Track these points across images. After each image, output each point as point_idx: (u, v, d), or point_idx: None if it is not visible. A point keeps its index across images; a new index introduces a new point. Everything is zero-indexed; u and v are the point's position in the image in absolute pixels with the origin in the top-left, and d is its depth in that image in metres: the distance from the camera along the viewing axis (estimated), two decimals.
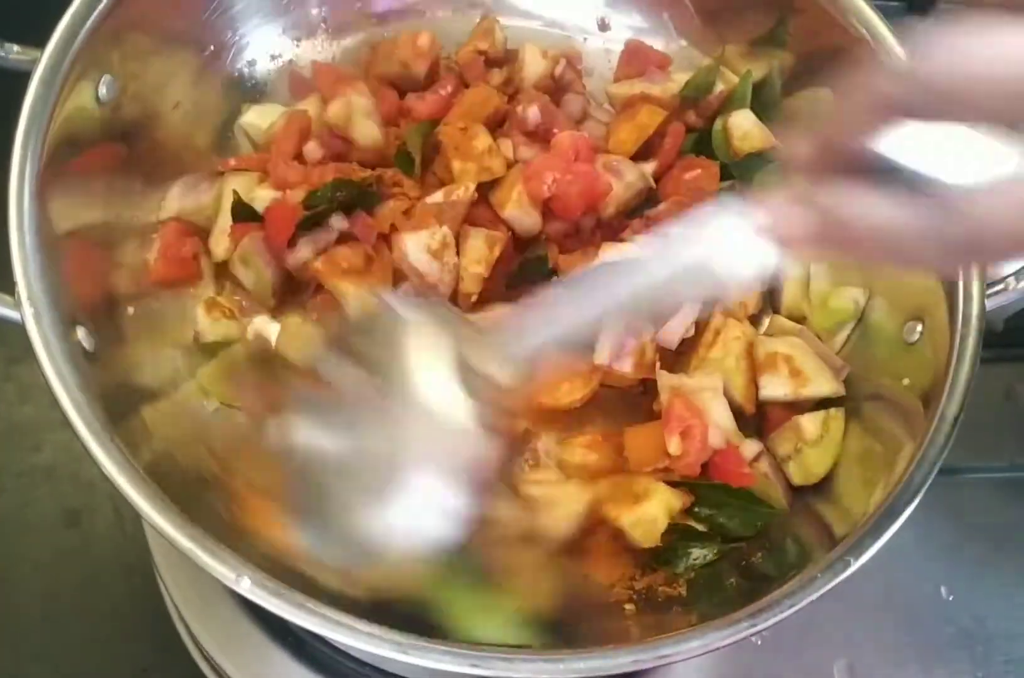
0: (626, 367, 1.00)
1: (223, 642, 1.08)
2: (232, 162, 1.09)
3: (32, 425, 1.31)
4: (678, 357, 1.05)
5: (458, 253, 1.01)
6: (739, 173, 1.10)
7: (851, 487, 0.99)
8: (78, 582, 1.25)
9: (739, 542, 0.99)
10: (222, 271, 1.08)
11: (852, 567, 0.86)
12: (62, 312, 0.85)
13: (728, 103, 1.12)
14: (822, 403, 1.03)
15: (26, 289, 0.83)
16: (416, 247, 0.99)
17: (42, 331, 0.82)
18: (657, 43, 1.21)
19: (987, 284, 0.97)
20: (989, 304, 0.96)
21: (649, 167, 1.09)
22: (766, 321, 1.11)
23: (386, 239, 1.03)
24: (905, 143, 0.59)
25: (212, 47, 1.08)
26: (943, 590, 1.19)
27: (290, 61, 1.17)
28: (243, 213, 1.04)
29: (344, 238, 1.03)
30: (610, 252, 1.01)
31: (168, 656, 1.19)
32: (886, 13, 1.05)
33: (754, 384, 1.03)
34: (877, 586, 1.16)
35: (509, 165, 1.06)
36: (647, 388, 1.04)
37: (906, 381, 0.98)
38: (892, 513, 0.88)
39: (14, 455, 1.29)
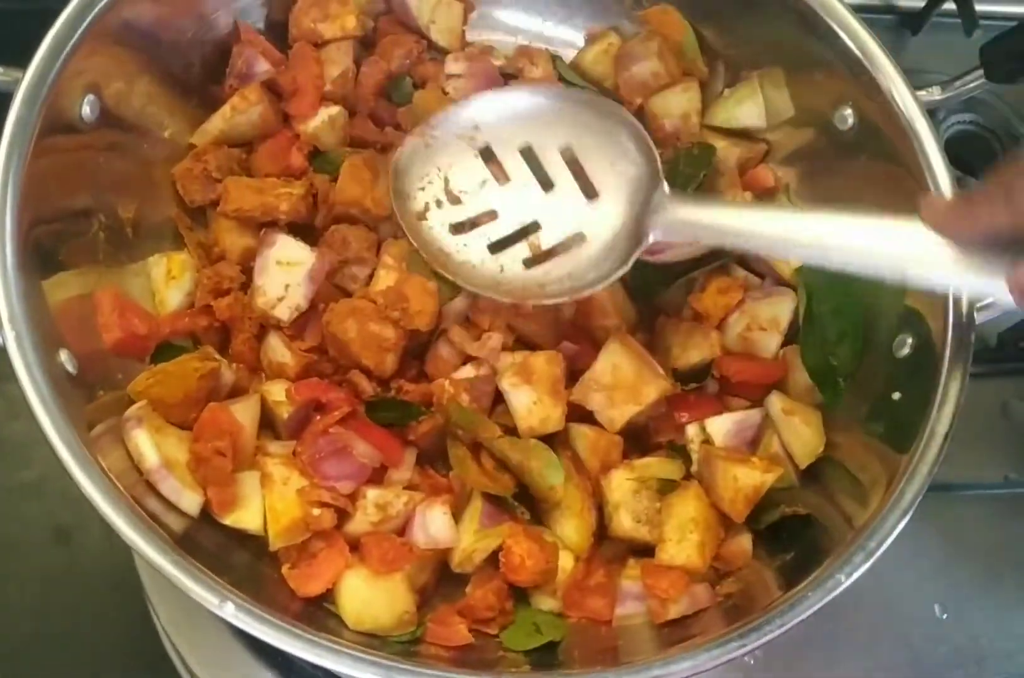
0: None
1: (211, 662, 1.07)
2: None
3: (21, 441, 1.30)
4: None
5: None
6: None
7: (842, 502, 0.98)
8: (67, 600, 1.24)
9: None
10: None
11: (843, 585, 0.86)
12: (45, 335, 0.85)
13: None
14: None
15: (7, 311, 0.82)
16: None
17: (24, 354, 0.82)
18: None
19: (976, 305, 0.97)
20: (978, 318, 0.95)
21: None
22: None
23: None
24: None
25: (197, 66, 1.08)
26: (937, 608, 1.18)
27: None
28: None
29: None
30: None
31: (156, 675, 1.18)
32: (879, 27, 1.05)
33: None
34: (870, 605, 1.15)
35: None
36: None
37: (896, 395, 0.98)
38: (883, 529, 0.88)
39: (3, 471, 1.28)
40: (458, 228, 1.02)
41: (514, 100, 1.03)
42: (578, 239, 1.00)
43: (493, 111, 1.03)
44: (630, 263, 0.96)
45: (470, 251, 1.01)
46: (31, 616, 1.23)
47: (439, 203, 1.02)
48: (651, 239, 0.95)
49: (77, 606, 1.24)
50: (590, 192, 1.00)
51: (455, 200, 1.02)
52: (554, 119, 1.01)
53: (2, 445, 1.29)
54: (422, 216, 1.01)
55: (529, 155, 1.02)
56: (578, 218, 1.00)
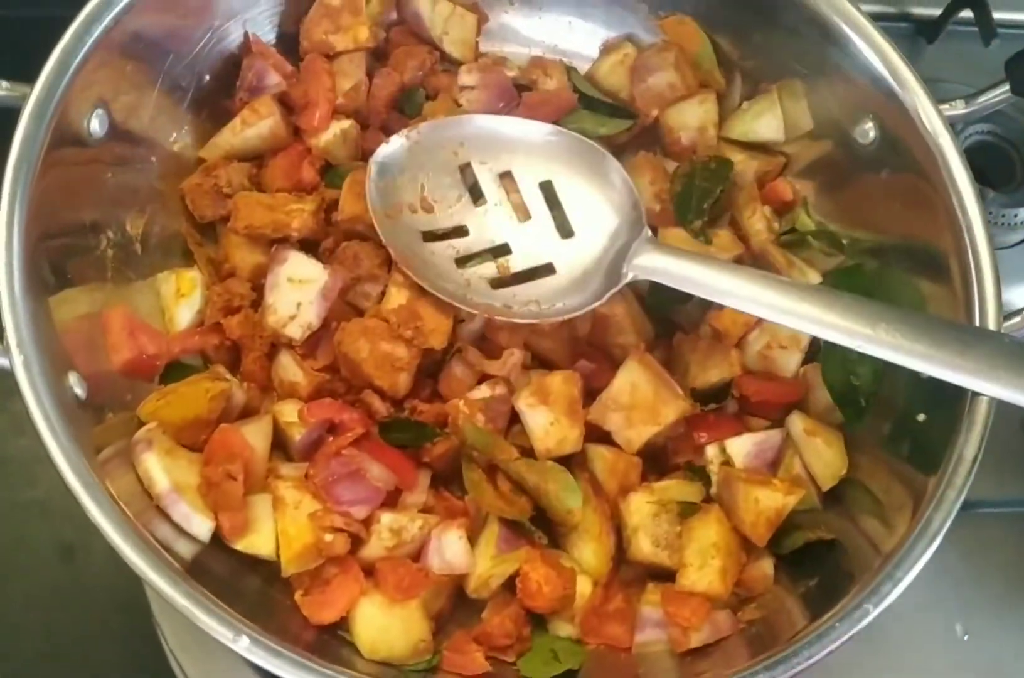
0: None
1: None
2: None
3: (27, 458, 1.28)
4: None
5: None
6: None
7: (866, 526, 0.96)
8: (73, 619, 1.22)
9: None
10: None
11: (871, 614, 0.84)
12: (53, 358, 0.83)
13: None
14: None
15: (15, 336, 0.81)
16: None
17: (32, 380, 0.80)
18: None
19: (1003, 316, 0.95)
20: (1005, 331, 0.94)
21: None
22: None
23: None
24: None
25: (207, 79, 1.06)
26: (959, 629, 1.15)
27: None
28: None
29: None
30: None
31: None
32: (894, 35, 1.03)
33: None
34: (890, 625, 1.12)
35: None
36: None
37: (921, 417, 0.96)
38: (911, 557, 0.86)
39: (8, 488, 1.27)
40: (427, 236, 1.02)
41: (504, 126, 1.05)
42: (547, 269, 1.01)
43: (481, 131, 1.04)
44: (604, 299, 0.97)
45: (437, 260, 1.01)
46: (36, 635, 1.22)
47: (412, 207, 1.01)
48: (628, 279, 0.97)
49: (83, 625, 1.22)
50: (566, 230, 1.02)
51: (428, 208, 1.02)
52: (539, 152, 1.03)
53: (7, 462, 1.28)
54: (394, 215, 1.00)
55: (508, 181, 1.03)
56: (550, 250, 1.02)
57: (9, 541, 1.25)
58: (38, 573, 1.24)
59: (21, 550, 1.25)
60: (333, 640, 0.89)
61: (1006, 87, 1.03)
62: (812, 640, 0.82)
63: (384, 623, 0.89)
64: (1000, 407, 0.90)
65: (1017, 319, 0.98)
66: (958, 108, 1.04)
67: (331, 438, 0.96)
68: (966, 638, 1.15)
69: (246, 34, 1.07)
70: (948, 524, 0.87)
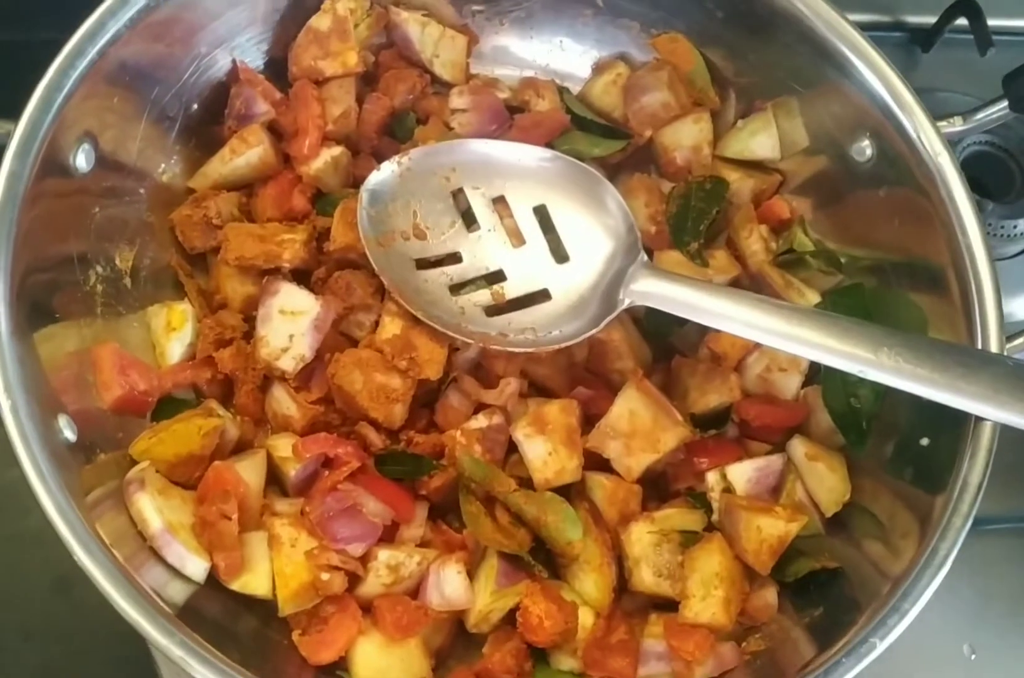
0: None
1: None
2: None
3: (19, 489, 1.26)
4: None
5: None
6: None
7: (871, 551, 0.95)
8: (69, 652, 1.21)
9: None
10: None
11: (878, 649, 0.83)
12: (43, 401, 0.82)
13: None
14: None
15: (2, 381, 0.79)
16: None
17: (20, 425, 0.79)
18: None
19: (1007, 337, 0.94)
20: (1009, 352, 0.94)
21: None
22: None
23: None
24: None
25: (196, 107, 1.05)
26: (966, 648, 1.14)
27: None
28: None
29: None
30: None
31: None
32: (889, 44, 1.02)
33: None
34: (897, 646, 1.11)
35: None
36: None
37: (925, 441, 0.94)
38: (917, 589, 0.85)
39: (2, 519, 1.25)
40: (420, 263, 1.00)
41: (496, 151, 1.03)
42: (543, 296, 1.00)
43: (473, 156, 1.03)
44: (601, 326, 0.96)
45: (431, 287, 0.99)
46: (32, 666, 1.20)
47: (405, 235, 1.00)
48: (625, 306, 0.96)
49: (79, 657, 1.21)
50: (561, 254, 1.01)
51: (421, 235, 1.01)
52: (532, 177, 1.02)
53: (1, 492, 1.26)
54: (386, 243, 0.99)
55: (502, 206, 1.02)
56: (545, 276, 1.01)
57: (3, 572, 1.23)
58: (33, 604, 1.22)
59: (16, 581, 1.23)
60: None
61: (1004, 103, 1.01)
62: (820, 675, 0.81)
63: (384, 662, 0.88)
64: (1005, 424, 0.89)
65: (1020, 340, 0.97)
66: (956, 125, 1.03)
67: (326, 472, 0.95)
68: (973, 657, 1.14)
69: (234, 61, 1.06)
70: (955, 553, 0.85)
